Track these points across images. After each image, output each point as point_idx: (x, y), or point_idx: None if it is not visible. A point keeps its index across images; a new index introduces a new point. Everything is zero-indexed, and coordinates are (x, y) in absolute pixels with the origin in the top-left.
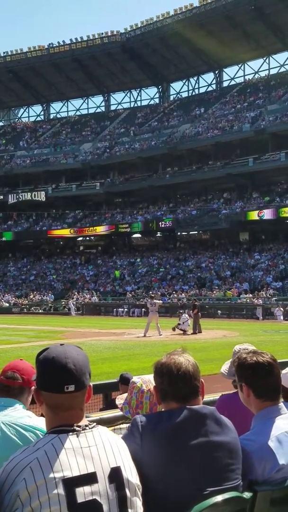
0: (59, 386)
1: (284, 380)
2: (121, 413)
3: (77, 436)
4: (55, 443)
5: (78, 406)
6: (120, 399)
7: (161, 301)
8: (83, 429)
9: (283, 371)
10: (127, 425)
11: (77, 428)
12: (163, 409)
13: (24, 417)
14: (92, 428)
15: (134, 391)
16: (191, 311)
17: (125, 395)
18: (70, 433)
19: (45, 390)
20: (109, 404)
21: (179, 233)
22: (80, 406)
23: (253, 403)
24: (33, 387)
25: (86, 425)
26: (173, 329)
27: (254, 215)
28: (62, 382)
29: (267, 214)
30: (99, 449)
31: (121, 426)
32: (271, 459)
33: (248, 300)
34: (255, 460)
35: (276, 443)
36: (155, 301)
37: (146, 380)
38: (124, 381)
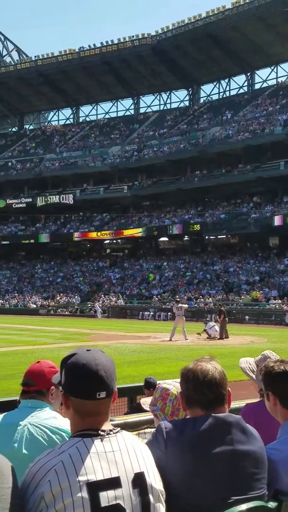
0: (91, 393)
1: None
2: (145, 417)
3: (102, 441)
4: (80, 447)
5: (104, 411)
6: (146, 405)
7: (187, 305)
8: (107, 434)
9: None
10: (152, 429)
11: (102, 433)
12: (188, 416)
13: (50, 418)
14: (116, 433)
15: (170, 398)
16: (217, 316)
17: (149, 398)
18: (95, 437)
19: (75, 396)
20: (134, 408)
21: (207, 237)
22: (107, 410)
23: (280, 412)
24: (53, 388)
25: (110, 430)
26: (199, 334)
27: (284, 220)
28: (95, 389)
29: None
30: (123, 454)
31: (146, 430)
32: None
33: (277, 306)
34: (281, 470)
35: None
36: (180, 305)
37: (176, 386)
38: (149, 386)
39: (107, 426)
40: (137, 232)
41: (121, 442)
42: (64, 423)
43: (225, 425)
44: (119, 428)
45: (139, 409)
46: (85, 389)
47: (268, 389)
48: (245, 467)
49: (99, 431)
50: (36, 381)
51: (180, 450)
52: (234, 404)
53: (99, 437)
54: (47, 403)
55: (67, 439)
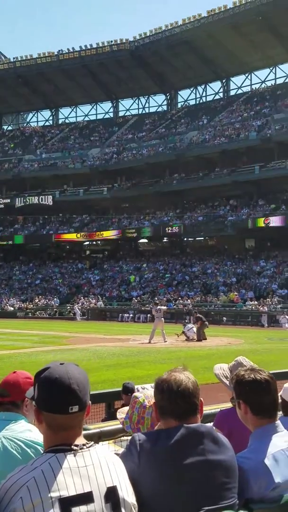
0: (63, 407)
1: (285, 394)
2: (122, 425)
3: (74, 456)
4: (52, 463)
5: (77, 426)
6: (121, 413)
7: (165, 307)
8: (80, 448)
9: (286, 385)
10: (128, 437)
11: (75, 448)
12: (161, 426)
13: (25, 431)
14: (89, 447)
15: (136, 406)
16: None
17: (126, 408)
18: (68, 452)
19: (47, 411)
20: (111, 414)
21: (185, 239)
22: (80, 425)
23: (250, 421)
24: (27, 400)
25: (83, 444)
26: (177, 335)
27: (260, 222)
28: (67, 403)
29: (273, 221)
30: (95, 468)
31: (122, 438)
32: (267, 477)
33: (253, 307)
34: (251, 478)
35: (272, 461)
36: (159, 307)
37: (148, 395)
38: (126, 391)
39: (80, 440)
40: (116, 233)
41: (94, 456)
42: (39, 436)
43: (197, 436)
44: (92, 442)
45: (116, 416)
46: (57, 404)
47: (239, 397)
48: (217, 476)
49: (72, 446)
50: (11, 391)
51: (153, 462)
52: (210, 409)
53: (72, 452)
54: (21, 415)
55: (42, 452)
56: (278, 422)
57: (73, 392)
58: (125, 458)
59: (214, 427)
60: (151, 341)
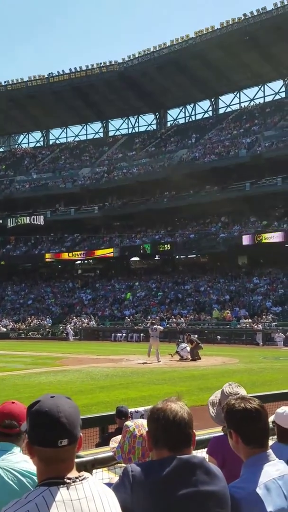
0: (52, 441)
1: (280, 420)
2: (113, 455)
3: (68, 489)
4: (46, 496)
5: (69, 459)
6: (114, 442)
7: (162, 327)
8: (73, 482)
9: (279, 410)
10: (123, 465)
11: (68, 481)
12: (154, 456)
13: (21, 462)
14: (82, 480)
15: (127, 436)
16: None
17: (119, 437)
18: (61, 486)
19: (37, 444)
20: (105, 439)
21: (177, 257)
22: (71, 457)
23: (242, 450)
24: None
25: (76, 477)
26: (171, 355)
27: (252, 239)
28: (56, 437)
29: (266, 238)
30: (89, 501)
31: (116, 465)
32: (259, 507)
33: (248, 325)
34: (243, 508)
35: (264, 490)
36: (155, 326)
37: (139, 424)
38: (120, 415)
39: (73, 473)
40: (108, 252)
41: (87, 489)
42: (35, 467)
43: (190, 467)
44: (84, 475)
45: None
46: (46, 437)
47: (230, 427)
48: (209, 507)
49: (65, 479)
50: (20, 422)
51: (146, 493)
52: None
53: (65, 485)
54: (18, 445)
55: (30, 483)
56: (269, 451)
57: (62, 426)
58: (118, 489)
59: (207, 454)
60: (149, 355)
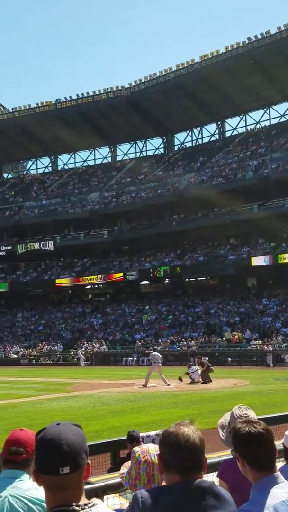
0: (54, 469)
1: (286, 440)
2: (121, 481)
3: None
4: None
5: (75, 486)
6: (124, 468)
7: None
8: (82, 509)
9: (287, 432)
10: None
11: (77, 508)
12: (165, 479)
13: (31, 489)
14: (91, 507)
15: (133, 462)
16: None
17: (130, 463)
18: None
19: (41, 472)
20: (117, 464)
21: (187, 279)
22: (78, 486)
23: (250, 474)
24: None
25: (85, 504)
26: (180, 378)
27: (260, 261)
28: (57, 465)
29: (271, 259)
30: None
31: (127, 491)
32: None
33: (258, 347)
34: None
35: None
36: (155, 353)
37: (144, 450)
38: (132, 439)
39: (81, 500)
40: (118, 276)
41: None
42: (39, 493)
43: (199, 491)
44: (94, 501)
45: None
46: (47, 465)
47: (236, 451)
48: None
49: (74, 506)
50: (27, 448)
51: None
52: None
53: None
54: (29, 472)
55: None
56: (277, 473)
57: (63, 453)
58: None
59: (218, 478)
60: (146, 384)
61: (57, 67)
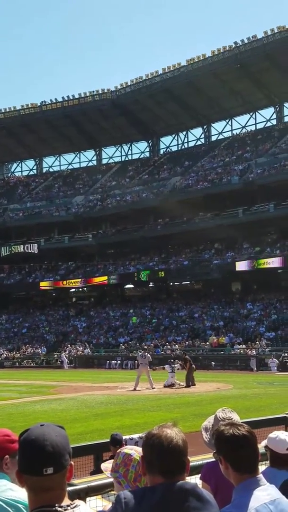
0: (37, 469)
1: (273, 445)
2: (109, 480)
3: None
4: None
5: (58, 487)
6: (108, 472)
7: (149, 355)
8: (64, 510)
9: (271, 435)
10: (116, 493)
11: (59, 509)
12: (147, 481)
13: (7, 490)
14: (74, 507)
15: (132, 464)
16: (184, 364)
17: (109, 464)
18: None
19: (24, 472)
20: (100, 467)
21: (171, 284)
22: (61, 486)
23: (232, 476)
24: (7, 457)
25: (68, 505)
26: (179, 383)
27: (245, 265)
28: (41, 465)
29: (263, 263)
30: None
31: (110, 493)
32: None
33: (241, 351)
34: None
35: None
36: (146, 353)
37: (140, 452)
38: (115, 443)
39: (64, 501)
40: (102, 280)
41: None
42: (21, 494)
43: (182, 493)
44: (76, 503)
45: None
46: (31, 465)
47: (219, 453)
48: None
49: (56, 507)
50: None
51: None
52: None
53: None
54: (3, 473)
55: (24, 511)
56: (260, 476)
57: (47, 454)
58: None
59: (201, 480)
60: (136, 388)
61: (42, 69)
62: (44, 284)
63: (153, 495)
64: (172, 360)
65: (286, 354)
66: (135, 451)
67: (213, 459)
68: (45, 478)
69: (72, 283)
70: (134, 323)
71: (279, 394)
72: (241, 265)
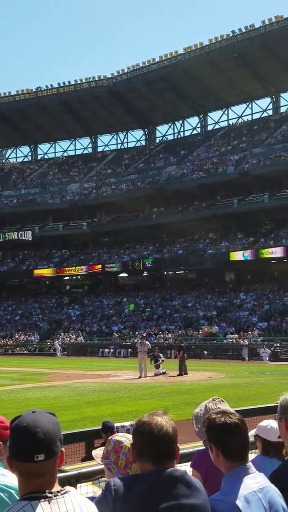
0: (28, 456)
1: (264, 433)
2: (100, 466)
3: (49, 503)
4: (27, 510)
5: (49, 473)
6: (99, 458)
7: (149, 343)
8: (55, 496)
9: (262, 424)
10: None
11: (49, 495)
12: (137, 468)
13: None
14: (64, 494)
15: (123, 451)
16: (177, 352)
17: (100, 451)
18: (42, 500)
19: (15, 459)
20: (91, 453)
21: (165, 273)
22: (51, 472)
23: (222, 464)
24: (1, 444)
25: (58, 491)
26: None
27: (239, 255)
28: (32, 452)
29: (252, 254)
30: None
31: (101, 479)
32: None
33: (234, 341)
34: None
35: (244, 503)
36: (145, 341)
37: (130, 438)
38: (106, 430)
39: (55, 487)
40: (96, 268)
41: (68, 503)
42: (14, 480)
43: (171, 480)
44: (66, 489)
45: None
46: (22, 452)
47: (210, 441)
48: None
49: (47, 493)
50: None
51: (127, 507)
52: (189, 447)
53: (47, 499)
54: None
55: (16, 496)
56: (249, 464)
57: (38, 441)
58: (100, 503)
59: (191, 468)
60: (145, 375)
61: (38, 54)
62: (38, 272)
63: (142, 482)
64: (157, 348)
65: (277, 344)
66: (126, 438)
67: (204, 447)
68: (36, 464)
69: (66, 271)
70: (131, 311)
71: (270, 384)
72: (240, 255)
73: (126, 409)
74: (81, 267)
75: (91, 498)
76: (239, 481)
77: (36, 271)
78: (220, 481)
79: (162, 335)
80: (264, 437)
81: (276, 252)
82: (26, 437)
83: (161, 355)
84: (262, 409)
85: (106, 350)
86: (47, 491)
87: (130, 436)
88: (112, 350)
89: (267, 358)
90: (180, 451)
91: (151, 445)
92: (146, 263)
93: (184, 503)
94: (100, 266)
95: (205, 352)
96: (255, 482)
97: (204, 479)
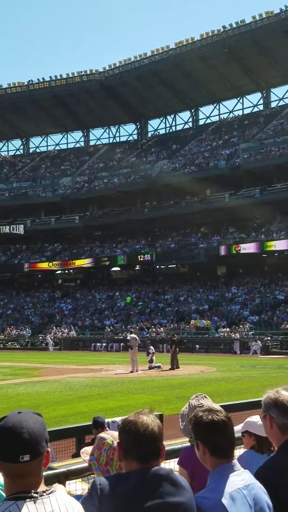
0: (14, 456)
1: (255, 429)
2: (90, 467)
3: (35, 503)
4: (13, 510)
5: (34, 473)
6: (85, 454)
7: (135, 336)
8: (40, 496)
9: (253, 420)
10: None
11: (35, 495)
12: (123, 466)
13: None
14: (49, 493)
15: (104, 448)
16: (169, 346)
17: (90, 449)
18: (28, 500)
19: (0, 459)
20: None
21: (157, 267)
22: (37, 473)
23: (208, 461)
24: None
25: (43, 491)
26: (150, 367)
27: (231, 249)
28: (17, 452)
29: (243, 248)
30: None
31: (90, 476)
32: None
33: (225, 334)
34: None
35: (229, 500)
36: (136, 336)
37: (115, 437)
38: (97, 425)
39: (40, 487)
40: (89, 262)
41: (54, 503)
42: (0, 479)
43: (157, 479)
44: (52, 489)
45: None
46: (7, 452)
47: (197, 438)
48: None
49: (32, 493)
50: None
51: (113, 506)
52: (177, 442)
53: (32, 499)
54: None
55: (3, 493)
56: (235, 461)
57: (24, 442)
58: (86, 502)
59: (178, 465)
60: (135, 369)
61: (30, 48)
62: (30, 266)
63: (128, 481)
64: (148, 342)
65: (269, 338)
66: (110, 436)
67: (188, 445)
68: (22, 465)
69: (58, 265)
70: (128, 303)
71: (262, 377)
72: (249, 247)
73: (118, 404)
74: (74, 261)
75: (78, 497)
76: (224, 478)
77: (28, 265)
78: (205, 481)
79: (154, 329)
80: (258, 434)
81: (250, 247)
82: (12, 437)
83: (151, 347)
84: (253, 403)
85: (98, 344)
86: (32, 491)
87: (115, 433)
88: (104, 344)
89: (258, 352)
90: (170, 447)
91: (136, 444)
92: (139, 257)
93: (169, 501)
94: (92, 259)
95: (197, 346)
96: (240, 479)
97: (191, 477)
